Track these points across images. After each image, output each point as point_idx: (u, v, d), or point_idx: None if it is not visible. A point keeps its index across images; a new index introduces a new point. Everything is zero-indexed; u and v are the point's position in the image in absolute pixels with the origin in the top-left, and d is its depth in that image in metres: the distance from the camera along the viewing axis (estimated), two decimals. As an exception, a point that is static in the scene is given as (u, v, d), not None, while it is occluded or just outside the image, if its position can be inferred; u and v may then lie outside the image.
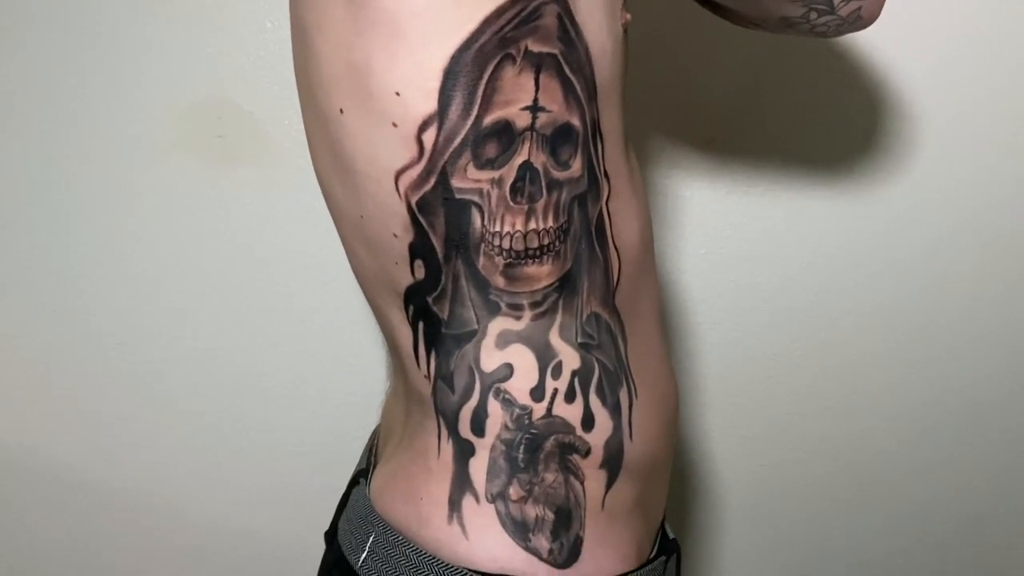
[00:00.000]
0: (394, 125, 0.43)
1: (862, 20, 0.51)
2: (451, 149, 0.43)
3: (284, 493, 1.11)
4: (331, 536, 0.59)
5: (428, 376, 0.49)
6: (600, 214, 0.47)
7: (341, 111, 0.45)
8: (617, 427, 0.49)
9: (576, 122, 0.44)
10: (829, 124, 0.99)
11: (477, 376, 0.47)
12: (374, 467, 0.59)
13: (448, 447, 0.48)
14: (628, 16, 0.48)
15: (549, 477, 0.47)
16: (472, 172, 0.43)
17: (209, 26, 0.94)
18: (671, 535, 0.60)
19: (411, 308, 0.48)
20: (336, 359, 1.05)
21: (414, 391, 0.51)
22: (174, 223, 1.00)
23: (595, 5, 0.44)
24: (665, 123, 0.99)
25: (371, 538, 0.51)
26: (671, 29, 0.92)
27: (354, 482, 0.60)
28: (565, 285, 0.47)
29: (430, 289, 0.47)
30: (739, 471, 1.13)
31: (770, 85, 0.98)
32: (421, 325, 0.48)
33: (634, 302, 0.51)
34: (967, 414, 1.11)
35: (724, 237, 1.03)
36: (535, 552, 0.47)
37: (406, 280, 0.47)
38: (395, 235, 0.46)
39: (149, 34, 0.94)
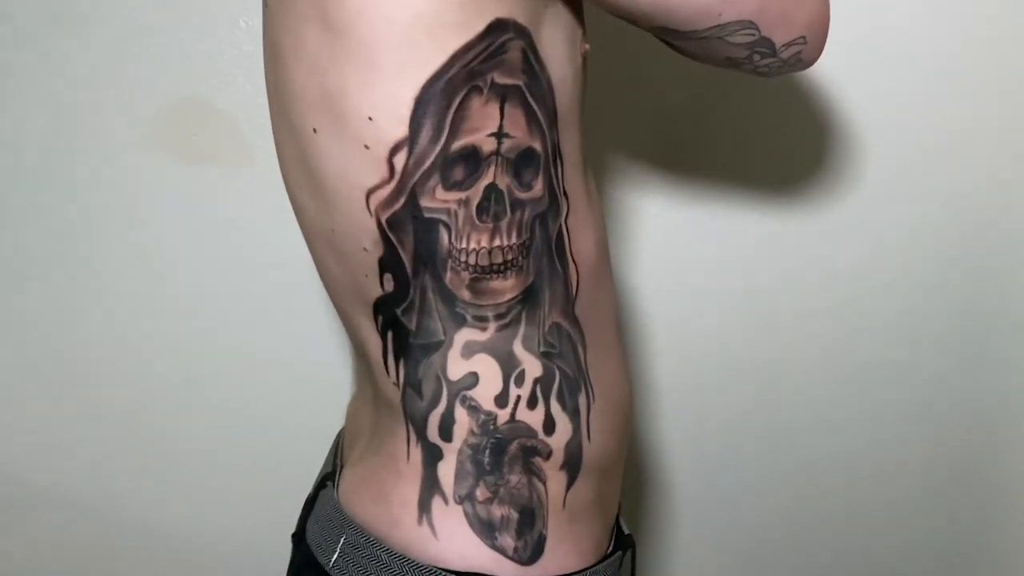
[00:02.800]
0: (366, 147, 0.45)
1: (802, 63, 0.54)
2: (420, 171, 0.45)
3: (247, 496, 1.11)
4: (299, 538, 0.60)
5: (397, 383, 0.51)
6: (560, 230, 0.50)
7: (314, 130, 0.46)
8: (576, 430, 0.52)
9: (538, 146, 0.47)
10: (788, 141, 1.03)
11: (444, 384, 0.49)
12: (341, 469, 0.60)
13: (417, 451, 0.51)
14: (587, 47, 0.50)
15: (513, 479, 0.50)
16: (440, 193, 0.46)
17: (183, 25, 0.94)
18: (626, 530, 0.63)
19: (380, 318, 0.50)
20: (302, 361, 1.06)
21: (383, 397, 0.53)
22: (147, 221, 1.00)
23: (558, 39, 0.47)
24: (627, 138, 1.02)
25: (342, 539, 0.53)
26: (634, 47, 0.95)
27: (321, 485, 0.61)
28: (528, 298, 0.49)
29: (399, 301, 0.49)
30: (696, 468, 1.16)
31: (727, 101, 1.01)
32: (390, 335, 0.50)
33: (592, 311, 0.54)
34: (923, 413, 1.14)
35: (683, 246, 1.06)
36: (501, 550, 0.50)
37: (375, 292, 0.49)
38: (365, 249, 0.48)
39: (124, 33, 0.93)
